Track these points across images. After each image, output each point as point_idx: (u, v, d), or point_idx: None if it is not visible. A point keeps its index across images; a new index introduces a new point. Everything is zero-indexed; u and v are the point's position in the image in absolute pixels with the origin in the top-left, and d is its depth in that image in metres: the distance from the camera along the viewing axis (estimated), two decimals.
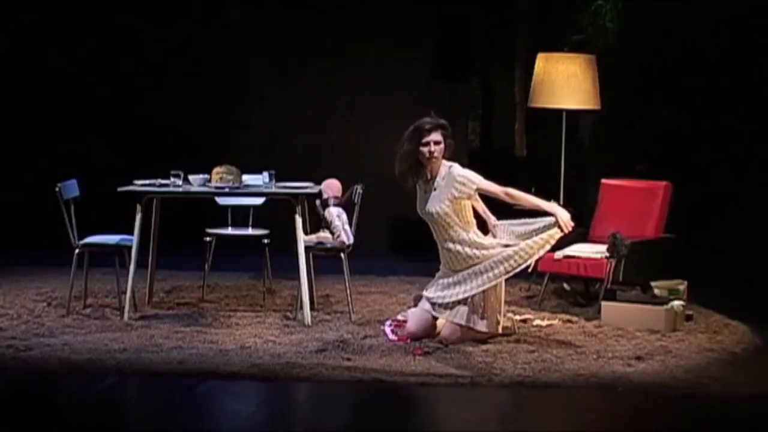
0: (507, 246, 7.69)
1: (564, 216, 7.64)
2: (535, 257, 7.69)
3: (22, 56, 11.06)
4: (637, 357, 7.44)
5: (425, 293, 7.88)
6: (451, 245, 7.72)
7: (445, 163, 7.74)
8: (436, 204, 7.68)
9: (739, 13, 9.67)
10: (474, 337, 7.70)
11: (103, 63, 11.04)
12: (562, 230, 7.63)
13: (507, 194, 7.71)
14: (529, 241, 7.65)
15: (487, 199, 7.87)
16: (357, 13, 10.98)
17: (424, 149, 7.67)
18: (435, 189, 7.71)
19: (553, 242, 7.68)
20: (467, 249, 7.69)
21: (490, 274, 7.65)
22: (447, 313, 7.72)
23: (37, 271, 9.78)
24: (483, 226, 7.95)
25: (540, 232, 7.67)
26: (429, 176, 7.75)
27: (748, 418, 6.46)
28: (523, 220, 7.84)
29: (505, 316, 7.91)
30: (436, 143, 7.68)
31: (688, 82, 9.93)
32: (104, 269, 8.84)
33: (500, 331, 7.80)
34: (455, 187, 7.63)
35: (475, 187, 7.66)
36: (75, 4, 11.01)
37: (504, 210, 8.04)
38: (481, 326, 7.69)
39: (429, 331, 7.76)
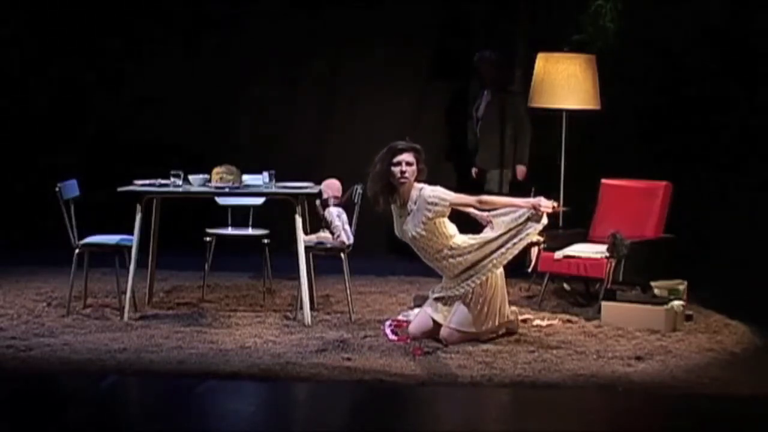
0: (493, 240, 7.70)
1: (541, 205, 7.62)
2: (521, 246, 7.71)
3: (22, 56, 11.07)
4: (637, 357, 7.44)
5: (430, 293, 7.90)
6: (437, 262, 7.76)
7: (416, 186, 7.71)
8: (412, 228, 7.67)
9: (740, 13, 9.66)
10: (473, 338, 7.71)
11: (104, 63, 11.03)
12: (538, 220, 7.63)
13: (480, 202, 7.79)
14: (515, 240, 7.67)
15: None
16: (356, 13, 10.96)
17: (395, 169, 7.65)
18: (409, 213, 7.70)
19: (534, 234, 7.72)
20: (457, 258, 7.70)
21: (485, 270, 7.67)
22: (445, 314, 7.72)
23: (37, 271, 9.78)
24: (475, 222, 7.98)
25: (523, 216, 7.67)
26: (401, 201, 7.73)
27: (748, 418, 6.46)
28: (508, 209, 7.85)
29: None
30: (408, 164, 7.65)
31: (688, 82, 9.91)
32: (104, 269, 8.85)
33: (507, 319, 7.81)
34: (428, 209, 7.61)
35: (447, 203, 7.65)
36: (84, 8, 11.02)
37: None
38: (478, 329, 7.70)
39: (429, 333, 7.76)
